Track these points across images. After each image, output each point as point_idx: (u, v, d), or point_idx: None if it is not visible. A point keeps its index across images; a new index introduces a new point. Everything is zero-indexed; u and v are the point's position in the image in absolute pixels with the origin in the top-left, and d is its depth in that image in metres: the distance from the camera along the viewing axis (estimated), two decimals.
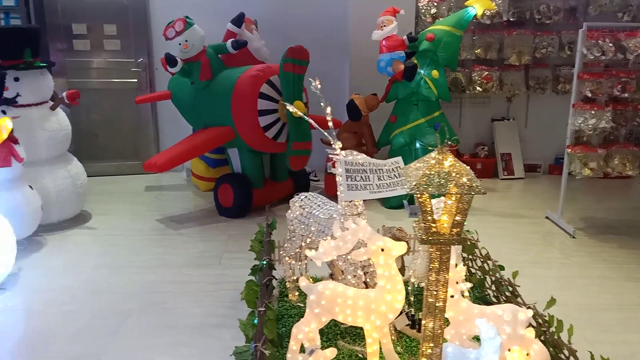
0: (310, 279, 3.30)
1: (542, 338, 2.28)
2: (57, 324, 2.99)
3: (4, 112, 3.86)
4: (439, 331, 1.86)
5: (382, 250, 2.20)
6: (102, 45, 6.02)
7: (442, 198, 2.07)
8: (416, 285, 3.01)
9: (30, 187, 4.02)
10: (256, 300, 2.46)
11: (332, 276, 3.05)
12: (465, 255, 3.15)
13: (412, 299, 2.80)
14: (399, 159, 2.58)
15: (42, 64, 4.29)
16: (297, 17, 6.04)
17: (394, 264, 2.24)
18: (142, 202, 5.24)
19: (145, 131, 6.27)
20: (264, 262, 2.84)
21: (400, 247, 2.21)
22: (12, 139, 3.72)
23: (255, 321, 2.22)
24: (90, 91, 5.92)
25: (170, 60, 4.72)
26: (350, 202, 2.55)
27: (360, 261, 2.53)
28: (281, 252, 3.22)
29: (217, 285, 3.47)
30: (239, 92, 4.60)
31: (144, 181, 5.88)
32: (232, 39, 4.98)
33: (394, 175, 2.52)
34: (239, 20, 5.12)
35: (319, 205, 2.90)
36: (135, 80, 6.10)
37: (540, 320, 2.35)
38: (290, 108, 2.87)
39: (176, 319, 3.04)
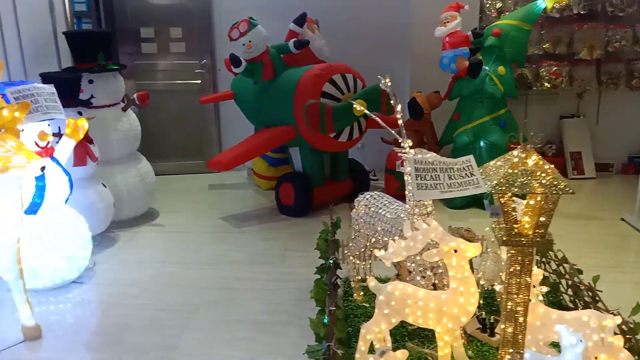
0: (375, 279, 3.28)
1: (626, 346, 2.16)
2: (131, 316, 3.11)
3: (80, 114, 4.04)
4: (520, 336, 1.79)
5: (455, 251, 2.15)
6: (168, 48, 6.20)
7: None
8: (486, 288, 2.92)
9: (104, 185, 4.20)
10: (325, 299, 2.46)
11: (398, 277, 3.02)
12: (538, 257, 3.03)
13: (481, 301, 2.72)
14: (470, 157, 2.49)
15: (114, 67, 4.46)
16: (358, 16, 6.01)
17: (467, 265, 2.18)
18: (205, 200, 5.36)
19: (209, 131, 6.42)
20: (331, 261, 2.83)
21: (474, 249, 2.15)
22: (87, 139, 3.88)
23: (326, 320, 2.22)
24: (157, 92, 6.11)
25: (234, 60, 4.81)
26: (419, 201, 2.51)
27: (429, 262, 2.48)
28: (345, 251, 3.22)
29: (281, 282, 3.50)
30: (301, 91, 4.63)
31: (207, 180, 6.02)
32: (295, 39, 5.02)
33: (466, 174, 2.45)
34: (301, 20, 5.15)
35: (385, 205, 2.86)
36: (199, 81, 6.26)
37: (625, 328, 2.22)
38: (357, 105, 2.86)
39: (243, 315, 3.09)
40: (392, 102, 2.62)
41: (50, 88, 3.38)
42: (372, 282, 2.32)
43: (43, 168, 2.42)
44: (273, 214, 4.89)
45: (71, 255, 3.39)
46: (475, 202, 4.76)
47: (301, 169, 4.97)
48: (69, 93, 3.97)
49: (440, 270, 2.54)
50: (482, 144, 4.86)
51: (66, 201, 3.50)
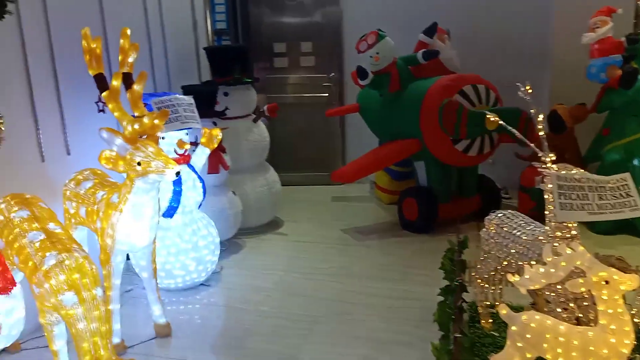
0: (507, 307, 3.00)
1: None
2: (254, 322, 3.16)
3: (214, 124, 4.26)
4: None
5: (607, 282, 1.87)
6: (298, 62, 6.38)
7: None
8: None
9: (234, 192, 4.38)
10: (450, 325, 2.28)
11: (533, 306, 2.72)
12: None
13: (635, 342, 2.35)
14: (627, 175, 2.19)
15: (248, 80, 4.66)
16: (492, 25, 5.69)
17: (620, 300, 1.89)
18: (328, 211, 5.38)
19: (334, 143, 6.46)
20: (457, 283, 2.64)
21: (631, 281, 1.85)
22: (221, 148, 4.08)
23: (450, 347, 2.05)
24: (286, 105, 6.28)
25: (361, 72, 4.79)
26: (561, 223, 2.24)
27: (573, 292, 2.20)
28: (473, 273, 2.99)
29: (403, 301, 3.36)
30: (429, 103, 4.46)
31: (331, 192, 6.05)
32: (424, 50, 4.87)
33: (620, 194, 2.14)
34: (431, 30, 4.99)
35: (520, 225, 2.61)
36: (327, 94, 6.34)
37: None
38: (492, 116, 2.65)
39: (363, 331, 3.01)
40: (532, 110, 2.37)
41: (189, 99, 3.60)
42: (504, 310, 2.10)
43: (178, 173, 2.54)
44: (395, 229, 4.75)
45: (201, 259, 3.55)
46: (627, 227, 4.22)
47: (426, 183, 4.78)
48: (206, 104, 4.21)
49: (585, 303, 2.23)
50: (636, 162, 4.30)
51: (199, 206, 3.69)
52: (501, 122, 2.76)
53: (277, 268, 3.94)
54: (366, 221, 5.03)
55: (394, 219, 4.91)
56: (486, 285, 2.87)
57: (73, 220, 3.04)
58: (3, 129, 2.69)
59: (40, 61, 3.15)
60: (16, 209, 2.55)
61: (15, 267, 2.43)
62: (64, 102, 3.34)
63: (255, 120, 4.76)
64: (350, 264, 3.99)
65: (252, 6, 6.32)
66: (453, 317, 2.35)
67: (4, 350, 2.80)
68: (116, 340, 2.83)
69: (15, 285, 2.22)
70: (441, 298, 2.66)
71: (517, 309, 2.99)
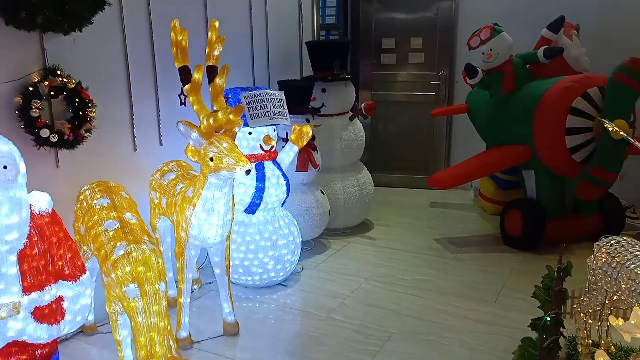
0: (612, 348, 2.56)
1: None
2: (324, 330, 3.02)
3: (307, 121, 4.17)
4: None
5: None
6: (406, 58, 6.10)
7: None
8: None
9: (322, 192, 4.26)
10: None
11: None
12: None
13: None
14: None
15: (347, 76, 4.51)
16: (628, 19, 4.99)
17: None
18: (423, 217, 5.07)
19: (437, 146, 6.11)
20: (549, 318, 2.27)
21: None
22: (311, 145, 3.98)
23: None
24: (390, 103, 6.08)
25: (469, 70, 4.42)
26: None
27: None
28: (575, 306, 2.58)
29: (490, 326, 3.01)
30: (545, 106, 3.98)
31: (429, 196, 5.72)
32: (546, 47, 4.37)
33: None
34: (557, 25, 4.46)
35: (636, 257, 2.18)
36: (434, 93, 6.00)
37: None
38: (610, 126, 2.23)
39: (438, 355, 2.73)
40: None
41: (280, 95, 3.53)
42: (600, 358, 1.74)
43: (248, 172, 2.46)
44: (495, 242, 4.34)
45: (280, 258, 3.47)
46: None
47: (534, 195, 4.29)
48: (301, 100, 4.12)
49: None
50: None
51: (282, 204, 3.61)
52: (624, 134, 2.33)
53: (359, 274, 3.75)
54: (464, 232, 4.65)
55: (496, 231, 4.49)
56: (590, 321, 2.47)
57: (157, 211, 3.11)
58: (94, 116, 2.80)
59: (140, 53, 3.25)
60: (99, 196, 2.63)
61: (92, 254, 2.50)
62: (161, 94, 3.42)
63: (351, 118, 4.59)
64: (439, 277, 3.69)
65: (364, 2, 6.15)
66: (538, 358, 2.00)
67: (81, 331, 2.94)
68: (184, 334, 2.85)
69: (85, 273, 2.26)
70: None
71: (628, 352, 2.54)
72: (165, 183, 2.97)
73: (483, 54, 4.39)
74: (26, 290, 2.03)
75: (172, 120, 3.48)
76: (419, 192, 5.86)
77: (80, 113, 2.74)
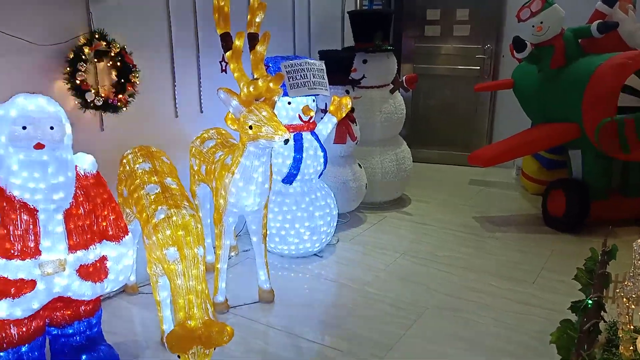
0: None
1: None
2: (358, 302, 3.03)
3: (347, 92, 4.11)
4: None
5: None
6: (451, 30, 5.91)
7: None
8: None
9: (360, 165, 4.22)
10: (572, 351, 1.91)
11: None
12: None
13: None
14: None
15: (389, 48, 4.42)
16: None
17: None
18: (461, 195, 4.98)
19: (479, 122, 5.95)
20: (590, 302, 2.20)
21: None
22: (350, 118, 3.93)
23: None
24: (433, 77, 5.94)
25: (517, 44, 4.25)
26: None
27: None
28: (618, 290, 2.49)
29: (527, 307, 2.96)
30: (596, 83, 3.80)
31: (469, 174, 5.60)
32: (600, 21, 4.15)
33: None
34: None
35: None
36: (478, 67, 5.82)
37: None
38: None
39: (471, 333, 2.70)
40: None
41: (321, 65, 3.48)
42: None
43: (286, 141, 2.45)
44: (536, 223, 4.23)
45: (316, 229, 3.48)
46: None
47: (580, 175, 4.15)
48: (342, 71, 4.06)
49: None
50: None
51: (320, 176, 3.61)
52: None
53: (394, 249, 3.73)
54: (503, 211, 4.55)
55: (537, 212, 4.38)
56: (632, 307, 2.38)
57: (196, 177, 3.15)
58: (137, 81, 2.83)
59: (182, 19, 3.26)
60: (141, 160, 2.68)
61: (134, 216, 2.56)
62: (202, 61, 3.42)
63: (392, 91, 4.51)
64: (475, 256, 3.63)
65: None
66: (576, 340, 1.95)
67: (123, 291, 3.04)
68: (220, 298, 2.91)
69: (128, 234, 2.32)
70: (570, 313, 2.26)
71: None
72: (205, 150, 3.00)
73: (533, 26, 4.21)
74: (72, 248, 2.10)
75: (213, 87, 3.49)
76: (458, 169, 5.76)
77: (124, 78, 2.78)
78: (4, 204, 1.97)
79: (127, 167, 2.70)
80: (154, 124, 3.17)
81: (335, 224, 3.67)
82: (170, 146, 3.09)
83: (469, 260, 3.55)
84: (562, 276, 3.26)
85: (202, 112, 3.49)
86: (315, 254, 3.64)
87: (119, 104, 2.76)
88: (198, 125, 3.34)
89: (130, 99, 2.81)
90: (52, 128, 2.00)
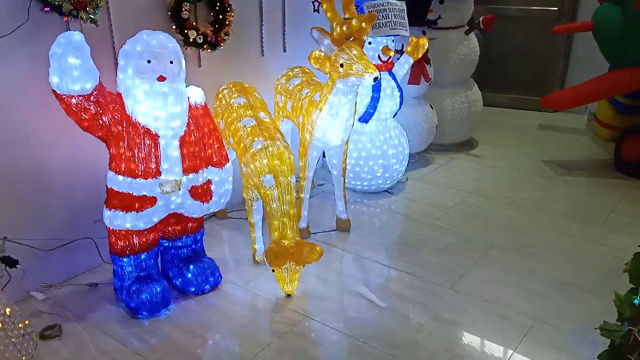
0: None
1: None
2: (428, 235, 3.22)
3: (423, 33, 4.14)
4: None
5: None
6: None
7: None
8: None
9: (431, 106, 4.31)
10: None
11: None
12: None
13: None
14: None
15: None
16: None
17: None
18: (531, 140, 4.99)
19: (553, 66, 5.82)
20: None
21: None
22: (425, 59, 3.98)
23: (637, 301, 1.85)
24: (506, 18, 5.79)
25: None
26: None
27: None
28: None
29: (596, 245, 3.07)
30: None
31: (539, 119, 5.56)
32: None
33: None
34: None
35: None
36: (556, 8, 5.63)
37: None
38: None
39: (539, 266, 2.86)
40: None
41: (402, 5, 3.54)
42: None
43: (376, 79, 2.58)
44: (607, 169, 4.23)
45: (389, 167, 3.66)
46: None
47: None
48: (419, 12, 4.08)
49: None
50: None
51: (394, 116, 3.74)
52: None
53: (462, 189, 3.87)
54: (574, 156, 4.56)
55: (609, 157, 4.37)
56: None
57: (280, 113, 3.35)
58: (232, 20, 3.01)
59: None
60: (236, 95, 2.89)
61: (230, 146, 2.81)
62: (287, 2, 3.54)
63: (467, 33, 4.49)
64: (544, 198, 3.72)
65: None
66: None
67: (214, 215, 3.34)
68: (303, 225, 3.16)
69: (228, 162, 2.57)
70: None
71: None
72: (291, 87, 3.17)
73: None
74: (185, 171, 2.37)
75: (295, 27, 3.64)
76: (528, 114, 5.72)
77: (221, 17, 2.96)
78: (130, 130, 2.24)
79: (223, 102, 2.93)
80: (243, 62, 3.36)
81: (406, 163, 3.82)
82: (256, 83, 3.27)
83: (538, 201, 3.65)
84: (632, 219, 3.34)
85: (285, 51, 3.65)
86: (386, 190, 3.83)
87: (216, 42, 2.95)
88: (281, 63, 3.51)
89: (225, 38, 3.00)
90: (171, 62, 2.22)
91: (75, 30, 2.09)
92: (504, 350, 2.23)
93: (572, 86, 4.32)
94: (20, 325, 2.08)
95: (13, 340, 2.01)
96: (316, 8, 3.11)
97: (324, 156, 3.27)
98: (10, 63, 2.29)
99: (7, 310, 2.02)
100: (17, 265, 2.24)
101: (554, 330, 2.35)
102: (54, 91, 2.10)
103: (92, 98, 2.14)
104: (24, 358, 2.04)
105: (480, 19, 4.49)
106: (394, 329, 2.36)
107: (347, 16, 2.74)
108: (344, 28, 2.62)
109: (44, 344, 2.21)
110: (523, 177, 4.10)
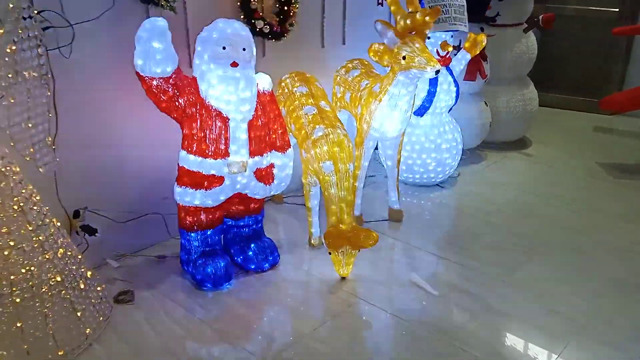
0: None
1: None
2: (480, 229, 3.25)
3: (481, 29, 4.14)
4: None
5: None
6: None
7: None
8: None
9: (486, 103, 4.31)
10: None
11: None
12: None
13: None
14: None
15: None
16: None
17: None
18: (586, 141, 4.91)
19: (612, 67, 5.69)
20: None
21: None
22: (482, 55, 4.00)
23: None
24: (565, 17, 5.69)
25: None
26: None
27: None
28: None
29: None
30: None
31: (595, 121, 5.46)
32: None
33: None
34: None
35: None
36: (617, 10, 5.50)
37: None
38: None
39: (593, 264, 2.85)
40: None
41: (462, 1, 3.56)
42: None
43: (438, 72, 2.63)
44: None
45: (441, 161, 3.70)
46: None
47: None
48: (478, 8, 4.09)
49: None
50: None
51: (449, 110, 3.77)
52: None
53: (514, 187, 3.87)
54: (630, 159, 4.47)
55: None
56: None
57: (338, 104, 3.43)
58: (297, 12, 3.11)
59: None
60: (298, 84, 3.00)
61: (291, 132, 2.92)
62: None
63: (526, 31, 4.47)
64: (599, 199, 3.68)
65: None
66: None
67: (270, 199, 3.46)
68: (356, 213, 3.25)
69: (290, 147, 2.68)
70: None
71: None
72: (350, 79, 3.25)
73: None
74: (251, 154, 2.50)
75: (354, 21, 3.72)
76: (585, 116, 5.62)
77: (286, 8, 3.07)
78: (203, 112, 2.38)
79: (286, 90, 3.04)
80: (304, 53, 3.47)
81: (459, 158, 3.85)
82: (315, 74, 3.38)
83: (592, 202, 3.62)
84: None
85: (344, 43, 3.73)
86: (437, 184, 3.87)
87: (281, 32, 3.06)
88: (339, 55, 3.60)
89: (290, 28, 3.11)
90: (244, 49, 2.34)
91: (159, 17, 2.23)
92: (556, 343, 2.26)
93: (632, 88, 4.24)
94: (98, 288, 2.26)
95: (92, 301, 2.18)
96: (380, 1, 3.18)
97: (376, 148, 3.34)
98: (96, 45, 2.46)
99: (89, 273, 2.20)
100: (96, 234, 2.42)
101: (607, 327, 2.35)
102: (137, 73, 2.25)
103: (170, 81, 2.29)
104: (100, 318, 2.21)
105: (540, 17, 4.45)
106: (444, 316, 2.42)
107: (410, 10, 2.80)
108: (408, 21, 2.69)
109: (118, 308, 2.38)
110: (577, 177, 4.06)
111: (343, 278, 2.67)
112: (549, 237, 3.15)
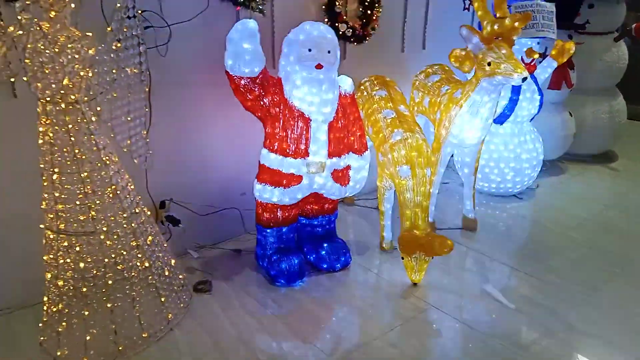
0: None
1: None
2: (560, 244, 3.12)
3: (570, 37, 3.99)
4: None
5: None
6: None
7: None
8: None
9: (570, 113, 4.13)
10: None
11: None
12: None
13: None
14: None
15: None
16: None
17: None
18: None
19: None
20: None
21: None
22: (569, 64, 3.84)
23: None
24: None
25: None
26: None
27: None
28: None
29: None
30: None
31: None
32: None
33: None
34: None
35: None
36: None
37: None
38: None
39: None
40: None
41: (551, 7, 3.45)
42: None
43: (525, 79, 2.56)
44: None
45: (520, 171, 3.58)
46: None
47: None
48: (566, 15, 3.95)
49: None
50: None
51: (531, 119, 3.65)
52: None
53: (598, 201, 3.69)
54: None
55: None
56: None
57: (416, 108, 3.41)
58: (379, 16, 3.13)
59: None
60: (377, 88, 3.01)
61: (368, 135, 2.93)
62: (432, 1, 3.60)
63: (617, 39, 4.26)
64: None
65: None
66: None
67: (342, 201, 3.49)
68: (430, 219, 3.21)
69: (367, 150, 2.70)
70: None
71: None
72: (430, 84, 3.23)
73: None
74: (330, 154, 2.53)
75: (434, 26, 3.68)
76: None
77: (369, 12, 3.09)
78: (286, 112, 2.44)
79: (365, 93, 3.06)
80: (384, 57, 3.48)
81: (539, 169, 3.72)
82: (394, 78, 3.37)
83: None
84: None
85: (424, 48, 3.71)
86: (514, 195, 3.75)
87: (363, 35, 3.09)
88: (419, 60, 3.57)
89: (372, 32, 3.13)
90: (329, 52, 2.38)
91: (250, 19, 2.31)
92: None
93: None
94: (180, 276, 2.37)
95: (175, 288, 2.29)
96: (467, 6, 3.13)
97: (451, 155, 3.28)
98: (189, 44, 2.59)
99: (172, 261, 2.31)
100: (180, 224, 2.54)
101: None
102: (226, 72, 2.35)
103: (257, 81, 2.37)
104: (181, 305, 2.32)
105: (633, 26, 4.22)
106: (519, 330, 2.34)
107: (498, 15, 2.74)
108: (495, 27, 2.63)
109: (197, 297, 2.48)
110: None
111: (414, 284, 2.65)
112: (634, 255, 2.98)
